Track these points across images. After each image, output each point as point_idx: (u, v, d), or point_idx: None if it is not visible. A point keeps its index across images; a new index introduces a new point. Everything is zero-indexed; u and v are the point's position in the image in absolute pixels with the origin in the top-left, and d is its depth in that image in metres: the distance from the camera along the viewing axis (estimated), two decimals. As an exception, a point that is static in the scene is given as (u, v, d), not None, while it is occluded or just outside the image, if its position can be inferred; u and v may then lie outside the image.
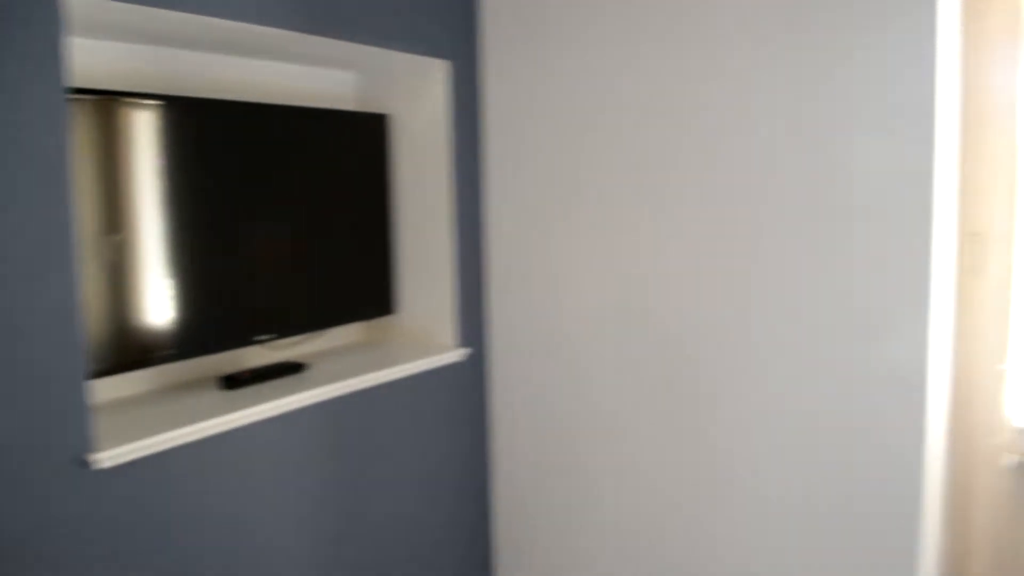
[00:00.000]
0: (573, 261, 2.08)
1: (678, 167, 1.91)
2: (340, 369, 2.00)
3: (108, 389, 1.77)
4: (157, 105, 1.67)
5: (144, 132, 1.65)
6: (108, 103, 1.59)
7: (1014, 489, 2.06)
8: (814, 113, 1.76)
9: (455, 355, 2.16)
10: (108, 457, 1.45)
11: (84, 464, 1.43)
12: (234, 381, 1.88)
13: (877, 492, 1.80)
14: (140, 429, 1.56)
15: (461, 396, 2.22)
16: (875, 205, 1.72)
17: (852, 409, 1.80)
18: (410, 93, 2.18)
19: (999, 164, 1.99)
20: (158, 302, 1.71)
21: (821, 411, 1.83)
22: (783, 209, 1.81)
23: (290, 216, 1.97)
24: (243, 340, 1.90)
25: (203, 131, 1.77)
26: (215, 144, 1.80)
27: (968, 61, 1.96)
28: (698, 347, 1.93)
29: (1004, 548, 2.08)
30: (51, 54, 1.34)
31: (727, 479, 1.93)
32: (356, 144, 2.12)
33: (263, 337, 1.93)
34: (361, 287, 2.15)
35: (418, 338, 2.24)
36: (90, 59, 1.69)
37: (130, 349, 1.67)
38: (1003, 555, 2.08)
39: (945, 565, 2.11)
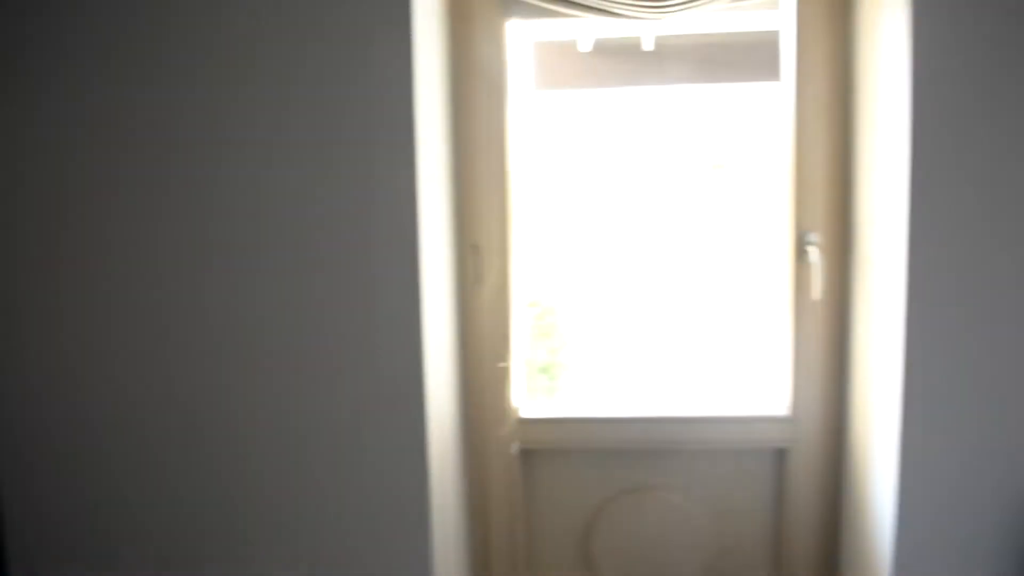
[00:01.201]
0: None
1: (158, 193, 1.87)
2: None
3: None
4: None
5: None
6: None
7: (521, 474, 2.30)
8: (308, 144, 1.82)
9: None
10: None
11: None
12: None
13: (390, 493, 1.90)
14: None
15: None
16: (366, 228, 1.83)
17: (357, 418, 1.89)
18: None
19: (493, 184, 2.21)
20: None
21: (329, 423, 1.89)
22: (279, 239, 1.85)
23: None
24: None
25: None
26: None
27: (457, 87, 2.16)
28: (206, 369, 1.90)
29: (518, 529, 2.31)
30: None
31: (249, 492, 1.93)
32: None
33: None
34: None
35: None
36: None
37: None
38: (517, 534, 2.31)
39: (470, 549, 2.29)
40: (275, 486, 1.93)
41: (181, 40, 1.82)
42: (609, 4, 2.03)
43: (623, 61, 2.57)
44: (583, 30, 2.42)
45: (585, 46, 2.51)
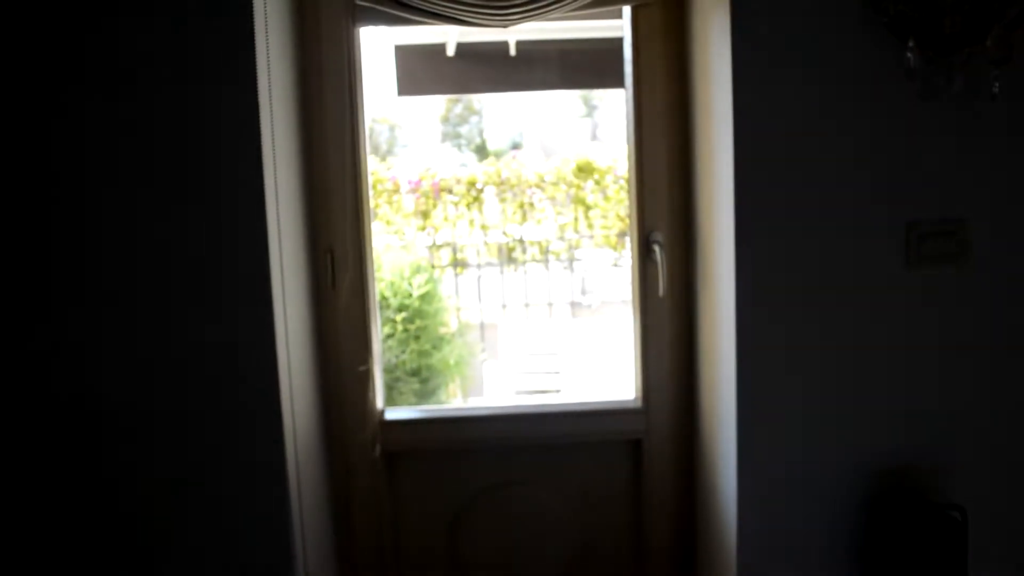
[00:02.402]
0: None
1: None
2: None
3: None
4: None
5: None
6: None
7: (385, 476, 2.32)
8: (150, 150, 1.81)
9: None
10: None
11: None
12: None
13: (248, 498, 1.90)
14: None
15: None
16: (214, 235, 1.83)
17: (209, 421, 1.88)
18: None
19: (348, 188, 2.22)
20: None
21: (182, 428, 1.88)
22: (124, 246, 1.83)
23: None
24: None
25: None
26: None
27: (308, 94, 2.17)
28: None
29: (384, 530, 2.33)
30: None
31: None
32: None
33: None
34: None
35: None
36: None
37: None
38: (384, 536, 2.34)
39: (336, 552, 2.30)
40: (125, 494, 1.90)
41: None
42: (456, 11, 2.07)
43: (488, 66, 2.63)
44: (443, 36, 2.47)
45: (449, 51, 2.55)
